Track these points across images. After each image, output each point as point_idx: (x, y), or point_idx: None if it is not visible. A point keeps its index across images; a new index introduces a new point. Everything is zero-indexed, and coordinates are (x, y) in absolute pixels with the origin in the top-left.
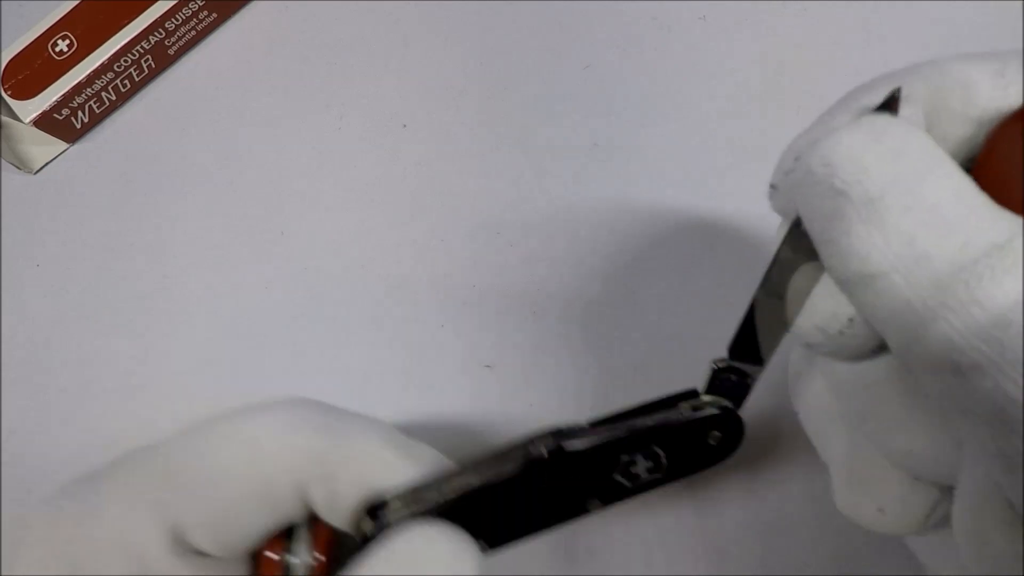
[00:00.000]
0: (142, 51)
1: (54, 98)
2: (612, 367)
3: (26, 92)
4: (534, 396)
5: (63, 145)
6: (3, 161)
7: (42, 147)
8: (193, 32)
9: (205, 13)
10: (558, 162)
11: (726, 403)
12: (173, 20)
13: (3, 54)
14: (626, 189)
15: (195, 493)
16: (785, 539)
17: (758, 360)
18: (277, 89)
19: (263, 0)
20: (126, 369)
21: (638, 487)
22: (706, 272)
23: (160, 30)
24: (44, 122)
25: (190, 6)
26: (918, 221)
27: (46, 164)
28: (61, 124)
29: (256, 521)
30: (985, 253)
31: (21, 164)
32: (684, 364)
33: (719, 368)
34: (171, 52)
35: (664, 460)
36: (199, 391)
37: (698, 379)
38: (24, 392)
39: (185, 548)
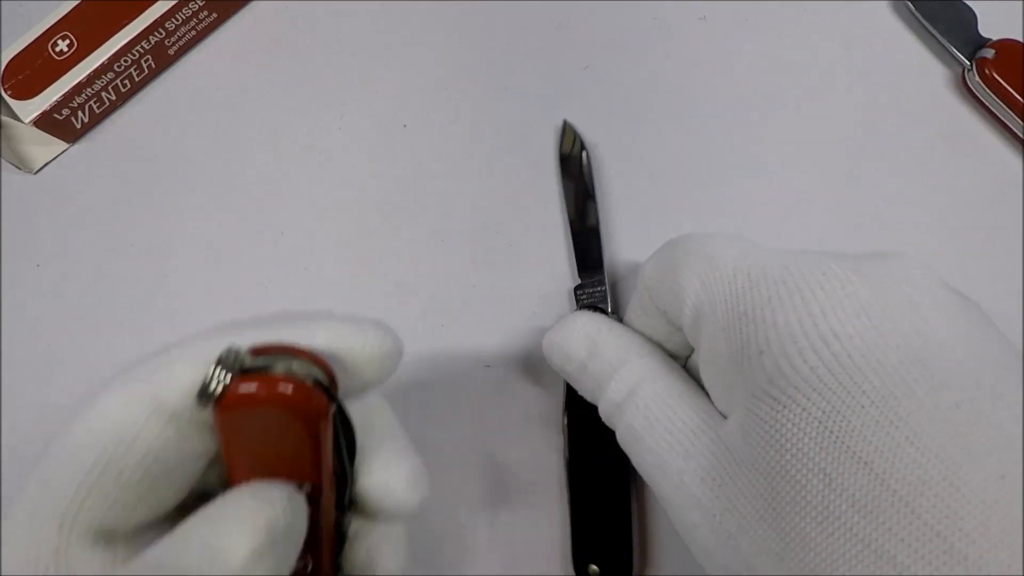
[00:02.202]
0: (142, 51)
1: (54, 98)
2: None
3: (26, 92)
4: (534, 396)
5: (63, 145)
6: (3, 161)
7: (42, 147)
8: (193, 32)
9: (205, 13)
10: (558, 162)
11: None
12: (173, 20)
13: (3, 54)
14: (625, 189)
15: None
16: None
17: (598, 266)
18: (277, 89)
19: (263, 0)
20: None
21: None
22: None
23: (160, 30)
24: (44, 122)
25: (190, 6)
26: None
27: (46, 164)
28: (61, 124)
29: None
30: (615, 371)
31: (21, 164)
32: None
33: (577, 288)
34: (171, 52)
35: None
36: None
37: None
38: (24, 392)
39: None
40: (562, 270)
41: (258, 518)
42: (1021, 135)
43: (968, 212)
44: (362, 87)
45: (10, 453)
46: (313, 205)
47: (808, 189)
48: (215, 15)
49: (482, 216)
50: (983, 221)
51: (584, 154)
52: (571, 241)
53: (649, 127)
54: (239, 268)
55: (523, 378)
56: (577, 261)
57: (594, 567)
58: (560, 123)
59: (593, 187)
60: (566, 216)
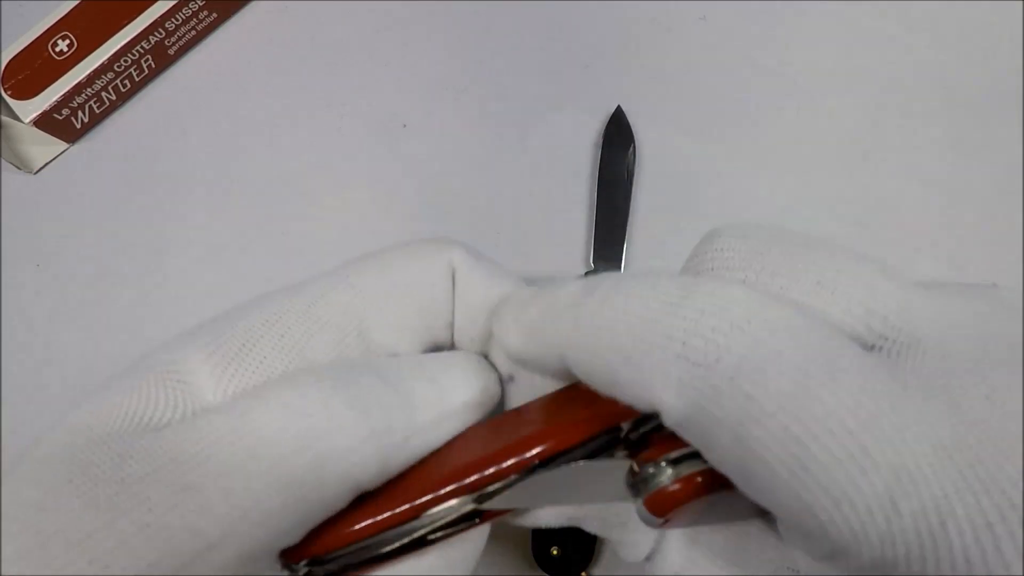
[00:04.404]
0: (142, 51)
1: (54, 98)
2: None
3: (26, 92)
4: None
5: (63, 145)
6: (3, 161)
7: (42, 147)
8: (193, 32)
9: (205, 13)
10: (558, 162)
11: None
12: (173, 20)
13: (3, 54)
14: None
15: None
16: None
17: (617, 258)
18: (277, 89)
19: (263, 0)
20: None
21: None
22: None
23: (160, 30)
24: (44, 122)
25: (190, 6)
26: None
27: (46, 164)
28: (61, 124)
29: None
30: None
31: (21, 164)
32: None
33: (587, 274)
34: (171, 52)
35: None
36: None
37: None
38: (24, 392)
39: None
40: (563, 271)
41: (480, 377)
42: None
43: (975, 207)
44: (362, 87)
45: (10, 453)
46: (314, 205)
47: (808, 189)
48: (215, 15)
49: (482, 216)
50: (989, 215)
51: (632, 147)
52: (591, 229)
53: (649, 127)
54: (239, 268)
55: None
56: (595, 247)
57: (555, 549)
58: (565, 118)
59: (633, 176)
60: (567, 215)
